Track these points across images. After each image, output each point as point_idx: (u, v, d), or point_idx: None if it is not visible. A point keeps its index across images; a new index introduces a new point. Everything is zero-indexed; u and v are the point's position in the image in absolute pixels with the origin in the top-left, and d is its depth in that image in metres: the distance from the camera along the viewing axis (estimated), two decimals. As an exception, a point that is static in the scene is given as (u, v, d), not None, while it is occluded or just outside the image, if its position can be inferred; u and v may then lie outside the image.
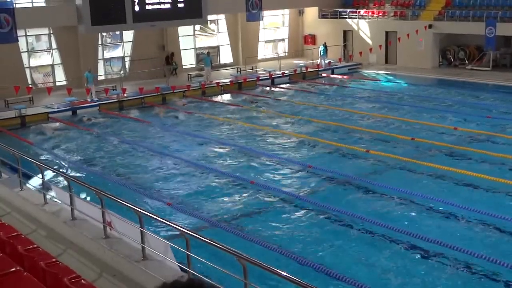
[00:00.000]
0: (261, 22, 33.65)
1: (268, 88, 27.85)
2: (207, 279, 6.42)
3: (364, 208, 12.48)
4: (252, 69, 31.24)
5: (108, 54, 29.66)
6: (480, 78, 27.95)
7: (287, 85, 28.91)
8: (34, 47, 27.59)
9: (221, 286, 2.48)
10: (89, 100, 24.29)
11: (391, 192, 13.29)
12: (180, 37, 31.54)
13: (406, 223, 11.53)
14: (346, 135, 19.00)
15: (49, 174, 13.80)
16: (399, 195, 13.11)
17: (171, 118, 22.59)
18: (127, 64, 29.86)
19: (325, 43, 32.55)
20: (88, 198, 11.50)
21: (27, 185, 12.01)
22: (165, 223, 8.27)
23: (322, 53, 31.96)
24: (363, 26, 33.68)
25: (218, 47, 33.72)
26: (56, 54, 27.50)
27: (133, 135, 20.18)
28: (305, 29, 36.65)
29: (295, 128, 20.28)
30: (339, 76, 30.77)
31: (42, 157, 17.28)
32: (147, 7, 26.95)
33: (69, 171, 15.77)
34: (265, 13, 33.32)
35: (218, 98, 26.37)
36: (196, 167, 15.95)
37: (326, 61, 32.05)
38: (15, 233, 8.28)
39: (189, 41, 32.34)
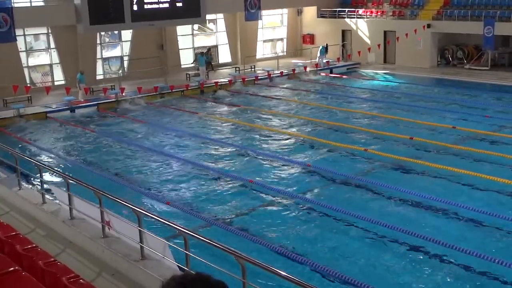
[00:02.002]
0: (259, 21, 33.65)
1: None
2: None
3: (362, 207, 12.49)
4: (251, 68, 31.23)
5: (106, 53, 29.64)
6: (479, 78, 27.98)
7: (286, 84, 28.93)
8: (32, 46, 27.55)
9: (224, 281, 2.47)
10: (81, 100, 24.25)
11: (389, 191, 13.30)
12: (178, 37, 31.55)
13: (404, 222, 11.53)
14: (345, 134, 19.00)
15: (47, 173, 13.80)
16: (398, 194, 13.12)
17: (170, 118, 22.56)
18: (125, 64, 29.86)
19: (326, 44, 32.56)
20: (87, 198, 11.48)
21: (26, 184, 12.00)
22: (163, 222, 8.26)
23: (321, 53, 31.96)
24: (361, 26, 33.69)
25: (216, 46, 33.72)
26: (54, 54, 27.47)
27: (131, 134, 20.17)
28: (304, 28, 36.65)
29: (293, 128, 20.27)
30: (338, 76, 30.79)
31: (41, 156, 17.27)
32: (146, 6, 26.96)
33: (67, 170, 15.74)
34: (264, 12, 33.29)
35: (214, 98, 26.37)
36: (194, 166, 15.95)
37: (325, 61, 32.06)
38: (14, 233, 8.26)
39: (187, 40, 32.34)
